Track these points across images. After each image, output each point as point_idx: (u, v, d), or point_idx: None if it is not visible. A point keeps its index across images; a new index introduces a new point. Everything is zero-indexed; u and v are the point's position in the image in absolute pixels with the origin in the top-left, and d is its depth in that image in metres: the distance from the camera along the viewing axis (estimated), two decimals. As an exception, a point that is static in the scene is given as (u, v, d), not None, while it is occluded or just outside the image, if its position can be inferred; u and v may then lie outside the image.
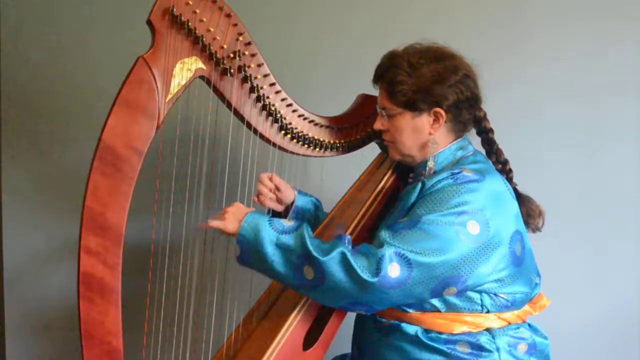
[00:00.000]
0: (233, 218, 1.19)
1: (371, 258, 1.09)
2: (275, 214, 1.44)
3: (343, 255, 1.10)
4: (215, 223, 1.20)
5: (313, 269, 1.12)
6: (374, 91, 1.34)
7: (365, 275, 1.08)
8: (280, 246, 1.15)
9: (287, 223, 1.18)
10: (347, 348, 1.40)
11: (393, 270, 1.08)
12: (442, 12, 1.91)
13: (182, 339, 1.39)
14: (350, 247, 1.13)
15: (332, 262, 1.10)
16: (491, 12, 1.91)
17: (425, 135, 1.25)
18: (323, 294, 1.14)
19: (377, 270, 1.08)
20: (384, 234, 1.13)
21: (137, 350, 1.27)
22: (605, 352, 1.95)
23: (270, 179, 1.38)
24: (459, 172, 1.18)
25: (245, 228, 1.17)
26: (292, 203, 1.43)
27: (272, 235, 1.15)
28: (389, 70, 1.24)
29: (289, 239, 1.15)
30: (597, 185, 1.93)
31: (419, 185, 1.21)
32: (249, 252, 1.17)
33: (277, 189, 1.40)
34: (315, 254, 1.11)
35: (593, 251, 1.93)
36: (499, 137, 1.33)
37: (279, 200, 1.42)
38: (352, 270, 1.09)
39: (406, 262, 1.09)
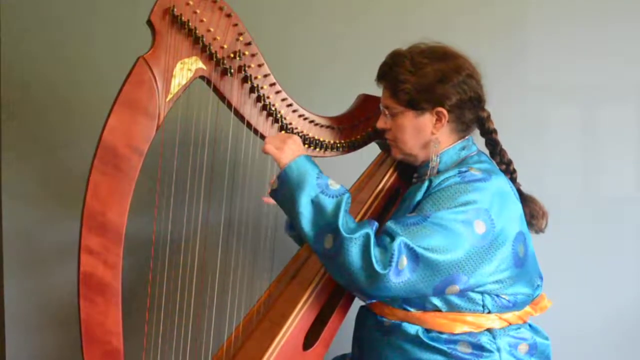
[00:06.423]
0: (289, 151, 1.18)
1: (387, 251, 1.09)
2: None
3: (367, 239, 1.10)
4: (272, 150, 1.19)
5: (334, 240, 1.12)
6: (374, 91, 1.34)
7: (379, 267, 1.08)
8: (315, 203, 1.14)
9: (333, 186, 1.17)
10: (347, 348, 1.39)
11: (401, 263, 1.09)
12: (442, 12, 1.91)
13: (182, 338, 1.39)
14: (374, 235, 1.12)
15: (353, 243, 1.10)
16: (493, 13, 1.91)
17: (428, 134, 1.25)
18: (331, 265, 1.15)
19: (389, 262, 1.08)
20: (394, 227, 1.12)
21: (137, 350, 1.27)
22: (607, 353, 1.95)
23: None
24: (466, 171, 1.18)
25: (292, 168, 1.16)
26: None
27: (312, 190, 1.14)
28: (392, 69, 1.24)
29: (326, 202, 1.14)
30: (598, 186, 1.92)
31: (426, 184, 1.20)
32: (284, 193, 1.16)
33: None
34: (341, 228, 1.11)
35: (594, 252, 1.92)
36: (500, 138, 1.33)
37: None
38: (368, 258, 1.08)
39: (414, 256, 1.09)
